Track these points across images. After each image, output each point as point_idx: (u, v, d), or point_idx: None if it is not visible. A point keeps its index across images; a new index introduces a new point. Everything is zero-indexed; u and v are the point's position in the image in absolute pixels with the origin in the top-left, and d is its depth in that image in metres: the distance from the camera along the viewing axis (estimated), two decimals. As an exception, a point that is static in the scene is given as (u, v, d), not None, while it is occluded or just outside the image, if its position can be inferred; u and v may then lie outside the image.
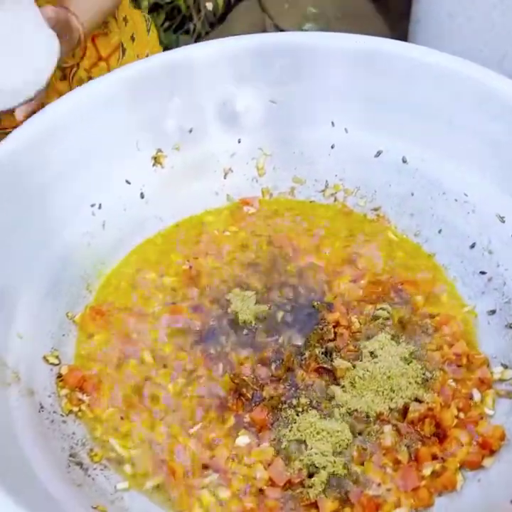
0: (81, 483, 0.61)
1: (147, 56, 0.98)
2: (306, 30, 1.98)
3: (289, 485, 0.61)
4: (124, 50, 0.96)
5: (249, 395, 0.66)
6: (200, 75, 0.78)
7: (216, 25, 2.03)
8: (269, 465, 0.62)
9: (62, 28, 0.78)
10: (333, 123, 0.80)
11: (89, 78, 0.90)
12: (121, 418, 0.66)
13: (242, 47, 0.79)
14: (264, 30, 1.97)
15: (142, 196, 0.80)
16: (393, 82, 0.77)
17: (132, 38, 0.98)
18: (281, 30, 1.96)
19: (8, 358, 0.65)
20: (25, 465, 0.58)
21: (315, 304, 0.73)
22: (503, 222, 0.73)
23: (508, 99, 0.71)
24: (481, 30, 1.82)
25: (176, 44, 1.82)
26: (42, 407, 0.65)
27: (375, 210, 0.80)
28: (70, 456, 0.63)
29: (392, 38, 2.20)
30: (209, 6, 1.99)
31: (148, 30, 1.01)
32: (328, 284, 0.74)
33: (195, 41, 1.97)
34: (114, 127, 0.77)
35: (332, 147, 0.81)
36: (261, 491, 0.61)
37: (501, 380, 0.67)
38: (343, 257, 0.77)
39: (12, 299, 0.68)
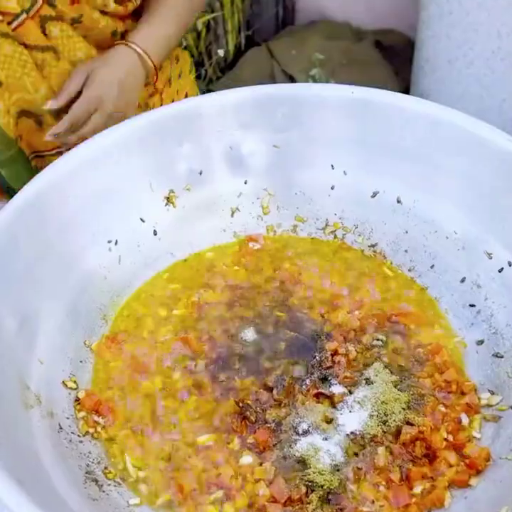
0: (96, 497, 0.66)
1: (186, 95, 1.07)
2: (312, 76, 2.05)
3: (289, 501, 0.66)
4: (170, 86, 1.03)
5: (253, 418, 0.71)
6: (209, 123, 0.84)
7: (226, 70, 2.11)
8: (270, 483, 0.67)
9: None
10: (332, 166, 0.86)
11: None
12: (133, 438, 0.71)
13: (247, 97, 0.85)
14: (273, 76, 2.04)
15: (155, 233, 0.86)
16: (386, 129, 0.83)
17: (179, 76, 1.06)
18: (289, 76, 2.04)
19: (30, 382, 0.70)
20: (46, 480, 0.63)
21: (315, 334, 0.78)
22: (491, 258, 0.78)
23: (490, 145, 0.77)
24: (480, 76, 1.88)
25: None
26: (61, 428, 0.70)
27: (372, 246, 0.86)
28: (87, 473, 0.68)
29: (395, 82, 2.27)
30: (220, 52, 2.07)
31: (190, 71, 1.10)
32: (327, 316, 0.79)
33: (207, 86, 2.05)
34: (129, 170, 0.83)
35: (332, 188, 0.87)
36: (263, 507, 0.66)
37: (488, 406, 0.72)
38: (341, 290, 0.82)
39: (34, 328, 0.73)
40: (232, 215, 0.88)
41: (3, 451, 0.59)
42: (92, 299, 0.80)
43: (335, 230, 0.87)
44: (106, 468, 0.69)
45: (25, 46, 0.90)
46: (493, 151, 0.77)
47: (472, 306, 0.79)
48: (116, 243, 0.83)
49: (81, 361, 0.77)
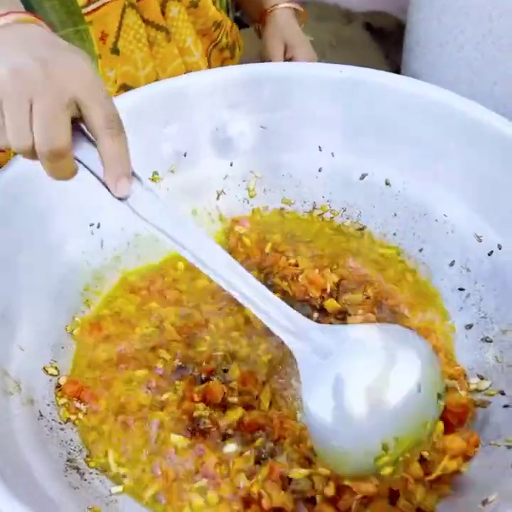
0: (77, 486, 0.64)
1: None
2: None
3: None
4: None
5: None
6: (194, 103, 0.82)
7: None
8: (252, 474, 0.65)
9: None
10: (320, 148, 0.85)
11: None
12: (115, 429, 0.69)
13: (234, 76, 0.83)
14: (262, 58, 2.01)
15: (139, 216, 0.84)
16: (376, 109, 0.81)
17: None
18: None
19: (9, 368, 0.68)
20: (25, 469, 0.61)
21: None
22: (480, 241, 0.77)
23: (485, 128, 0.75)
24: (471, 59, 1.86)
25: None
26: (41, 415, 0.68)
27: (360, 230, 0.84)
28: (68, 461, 0.66)
29: (386, 65, 2.25)
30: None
31: None
32: (316, 300, 0.77)
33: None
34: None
35: (319, 170, 0.85)
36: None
37: (477, 391, 0.71)
38: (329, 274, 0.80)
39: (15, 314, 0.71)
40: (217, 198, 0.86)
41: (-20, 440, 0.58)
42: (75, 285, 0.78)
43: (322, 213, 0.86)
44: (88, 456, 0.68)
45: (143, 21, 0.88)
46: (487, 134, 0.75)
47: (461, 289, 0.77)
48: (98, 226, 0.81)
49: (63, 347, 0.75)
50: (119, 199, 0.59)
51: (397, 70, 2.03)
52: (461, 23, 1.85)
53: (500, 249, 0.75)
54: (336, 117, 0.83)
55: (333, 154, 0.84)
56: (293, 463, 0.64)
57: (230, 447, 0.67)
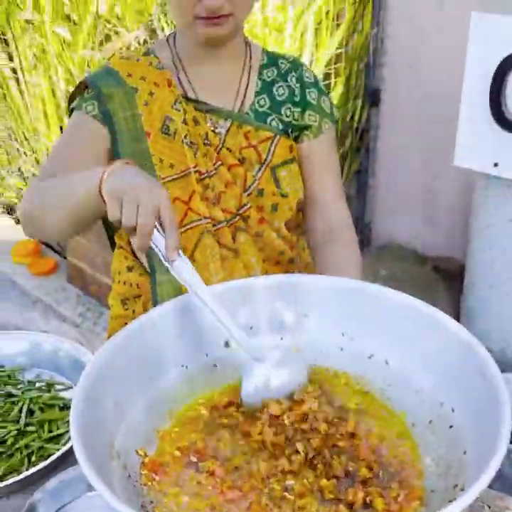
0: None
1: None
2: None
3: None
4: None
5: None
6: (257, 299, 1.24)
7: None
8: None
9: None
10: (342, 334, 1.22)
11: None
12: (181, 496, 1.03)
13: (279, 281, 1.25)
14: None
15: (215, 366, 1.23)
16: (376, 313, 1.19)
17: None
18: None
19: (115, 443, 1.05)
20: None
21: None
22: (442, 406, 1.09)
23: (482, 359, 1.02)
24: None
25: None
26: (129, 476, 1.03)
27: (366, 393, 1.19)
28: (141, 506, 1.00)
29: (448, 300, 2.61)
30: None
31: None
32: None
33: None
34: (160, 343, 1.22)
35: (341, 349, 1.22)
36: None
37: None
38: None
39: (123, 411, 1.09)
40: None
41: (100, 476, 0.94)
42: (166, 403, 1.17)
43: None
44: (155, 506, 1.01)
45: (218, 243, 1.28)
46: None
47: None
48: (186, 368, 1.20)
49: (149, 441, 1.11)
50: (167, 262, 1.05)
51: (457, 304, 2.42)
52: (509, 272, 2.25)
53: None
54: (351, 315, 1.21)
55: (352, 338, 1.22)
56: None
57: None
